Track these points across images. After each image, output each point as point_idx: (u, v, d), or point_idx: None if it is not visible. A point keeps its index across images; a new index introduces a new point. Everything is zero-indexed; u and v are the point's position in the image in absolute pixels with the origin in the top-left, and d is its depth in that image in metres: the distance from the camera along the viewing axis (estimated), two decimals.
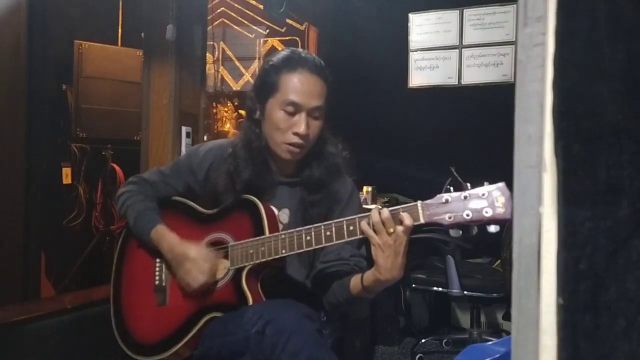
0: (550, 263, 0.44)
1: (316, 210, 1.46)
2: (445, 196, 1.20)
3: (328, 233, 1.28)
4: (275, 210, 1.46)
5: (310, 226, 1.31)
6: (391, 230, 1.22)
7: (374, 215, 1.24)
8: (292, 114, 1.42)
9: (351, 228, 1.27)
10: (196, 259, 1.41)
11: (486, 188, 1.17)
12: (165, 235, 1.50)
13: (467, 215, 1.17)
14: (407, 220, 1.22)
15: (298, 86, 1.41)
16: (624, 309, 0.44)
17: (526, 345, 0.46)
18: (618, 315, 0.44)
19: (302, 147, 1.44)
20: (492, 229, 1.17)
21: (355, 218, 1.27)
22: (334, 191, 1.50)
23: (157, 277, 1.55)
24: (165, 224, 1.54)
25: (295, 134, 1.41)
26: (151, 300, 1.54)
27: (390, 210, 1.24)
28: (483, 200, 1.16)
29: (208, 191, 1.53)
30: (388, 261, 1.24)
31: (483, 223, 1.17)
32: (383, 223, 1.22)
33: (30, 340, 1.77)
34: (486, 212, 1.16)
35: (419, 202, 1.23)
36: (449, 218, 1.19)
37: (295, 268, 1.49)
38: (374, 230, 1.24)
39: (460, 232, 1.21)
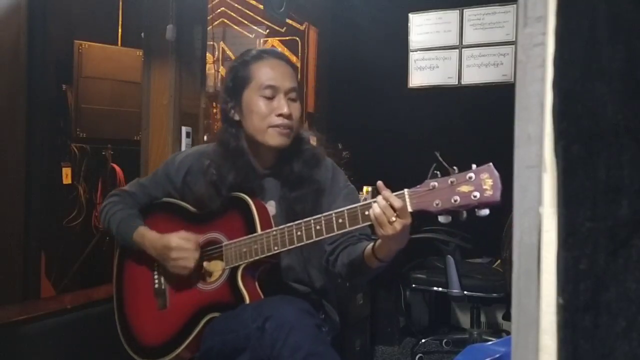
0: (550, 263, 0.44)
1: (300, 206, 1.46)
2: (432, 182, 1.17)
3: (318, 227, 1.29)
4: (268, 207, 1.46)
5: (301, 221, 1.32)
6: (393, 219, 1.20)
7: (374, 209, 1.22)
8: (270, 98, 1.45)
9: (340, 221, 1.26)
10: (179, 244, 1.43)
11: (473, 171, 1.13)
12: (145, 235, 1.51)
13: (455, 200, 1.14)
14: (397, 203, 1.19)
15: (270, 71, 1.47)
16: (624, 309, 0.44)
17: (526, 345, 0.46)
18: (618, 315, 0.44)
19: (290, 128, 1.46)
20: (482, 213, 1.13)
21: (343, 211, 1.27)
22: (316, 183, 1.50)
23: (156, 281, 1.55)
24: (152, 225, 1.54)
25: (280, 115, 1.44)
26: (152, 304, 1.54)
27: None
28: (470, 184, 1.13)
29: (191, 199, 1.54)
30: (395, 241, 1.24)
31: (472, 207, 1.14)
32: (384, 213, 1.20)
33: (30, 340, 1.77)
34: (474, 196, 1.12)
35: (405, 190, 1.21)
36: (437, 205, 1.16)
37: (288, 263, 1.50)
38: (378, 224, 1.22)
39: (450, 218, 1.18)
